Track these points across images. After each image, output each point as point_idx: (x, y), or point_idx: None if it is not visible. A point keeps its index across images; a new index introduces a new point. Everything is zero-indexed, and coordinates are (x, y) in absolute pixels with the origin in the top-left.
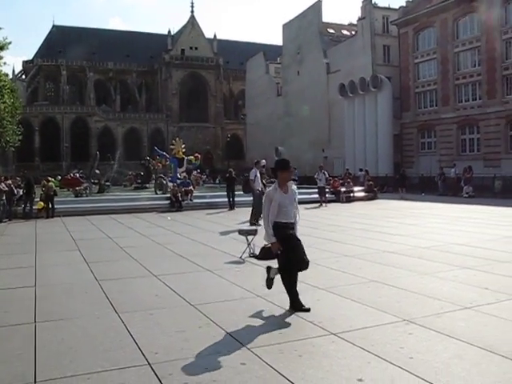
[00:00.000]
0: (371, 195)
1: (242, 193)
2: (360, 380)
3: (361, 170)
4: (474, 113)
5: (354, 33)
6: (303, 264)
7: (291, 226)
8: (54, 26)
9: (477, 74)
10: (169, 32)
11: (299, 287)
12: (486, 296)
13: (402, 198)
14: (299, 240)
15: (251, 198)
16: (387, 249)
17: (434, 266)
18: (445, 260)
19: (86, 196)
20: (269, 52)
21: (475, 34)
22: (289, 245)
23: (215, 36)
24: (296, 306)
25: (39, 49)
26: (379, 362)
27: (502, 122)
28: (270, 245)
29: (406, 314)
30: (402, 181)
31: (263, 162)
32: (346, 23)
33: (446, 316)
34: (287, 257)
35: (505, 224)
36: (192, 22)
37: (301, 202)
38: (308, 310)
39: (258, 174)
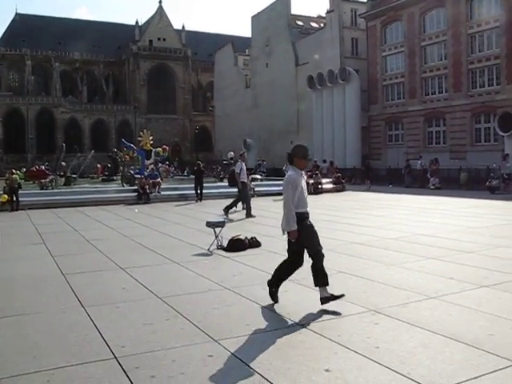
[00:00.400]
0: (339, 187)
1: (210, 185)
2: (327, 370)
3: (324, 161)
4: (441, 105)
5: (322, 25)
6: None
7: (307, 216)
8: (16, 14)
9: (443, 68)
10: (136, 23)
11: (267, 278)
12: (450, 286)
13: (368, 190)
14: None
15: (219, 191)
16: (355, 240)
17: (401, 256)
18: (411, 251)
19: (52, 188)
20: (237, 44)
21: (442, 28)
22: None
23: (183, 27)
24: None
25: (1, 37)
26: (346, 352)
27: (467, 114)
28: (238, 237)
29: (373, 304)
30: (366, 173)
31: (231, 154)
32: (315, 16)
33: (412, 306)
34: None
35: (469, 215)
36: (160, 12)
37: (269, 194)
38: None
39: (244, 167)
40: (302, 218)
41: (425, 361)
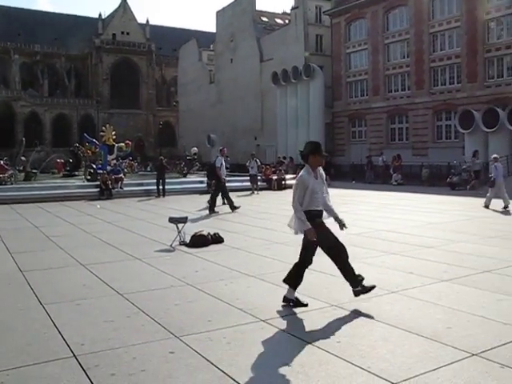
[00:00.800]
0: None
1: (173, 180)
2: (288, 365)
3: (284, 157)
4: (403, 103)
5: (287, 22)
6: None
7: (321, 214)
8: None
9: (406, 66)
10: (99, 16)
11: (230, 274)
12: (411, 280)
13: (328, 186)
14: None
15: (182, 186)
16: None
17: (363, 252)
18: (373, 246)
19: (11, 184)
20: (202, 39)
21: (404, 26)
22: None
23: (148, 21)
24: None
25: None
26: (307, 346)
27: (429, 112)
28: (200, 233)
29: (334, 299)
30: (327, 169)
31: (195, 149)
32: (280, 12)
33: (373, 301)
34: (330, 238)
35: (431, 211)
36: (124, 6)
37: (232, 190)
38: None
39: (224, 162)
40: (312, 216)
41: (385, 354)
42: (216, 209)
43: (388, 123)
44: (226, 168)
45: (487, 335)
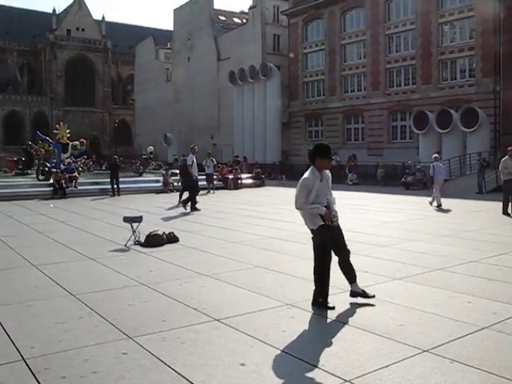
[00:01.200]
0: (259, 182)
1: (129, 179)
2: (242, 364)
3: (237, 156)
4: (359, 103)
5: (245, 21)
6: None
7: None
8: None
9: (362, 66)
10: (53, 11)
11: (185, 274)
12: (365, 279)
13: (283, 185)
14: (335, 228)
15: (138, 185)
16: (273, 235)
17: None
18: None
19: None
20: (159, 37)
21: (361, 27)
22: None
23: (103, 18)
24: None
25: None
26: (262, 346)
27: (384, 112)
28: (155, 232)
29: (289, 298)
30: (281, 168)
31: (151, 148)
32: (238, 11)
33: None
34: (326, 242)
35: (385, 210)
36: (79, 1)
37: None
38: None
39: (195, 160)
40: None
41: (338, 352)
42: (172, 206)
43: (344, 123)
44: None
45: (438, 332)
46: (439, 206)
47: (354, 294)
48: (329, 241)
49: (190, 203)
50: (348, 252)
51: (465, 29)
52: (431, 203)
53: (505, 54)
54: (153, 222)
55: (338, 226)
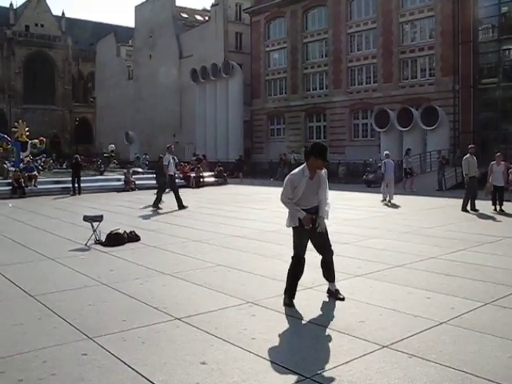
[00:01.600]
0: (221, 180)
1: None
2: (203, 363)
3: (196, 155)
4: (321, 101)
5: (207, 18)
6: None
7: (312, 211)
8: None
9: (324, 65)
10: (11, 5)
11: (146, 273)
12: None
13: (240, 183)
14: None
15: (99, 184)
16: (235, 233)
17: (279, 248)
18: (289, 243)
19: None
20: (120, 34)
21: (323, 26)
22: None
23: (63, 13)
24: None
25: None
26: (222, 344)
27: (346, 110)
28: (116, 231)
29: (250, 296)
30: (239, 166)
31: (112, 146)
32: (200, 9)
33: None
34: (300, 244)
35: (346, 207)
36: None
37: (148, 188)
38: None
39: (171, 160)
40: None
41: (299, 349)
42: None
43: (306, 121)
44: (146, 165)
45: (397, 327)
46: (390, 201)
47: (329, 292)
48: (302, 243)
49: (157, 203)
50: (331, 253)
51: (425, 28)
52: (384, 200)
53: (463, 53)
54: (114, 221)
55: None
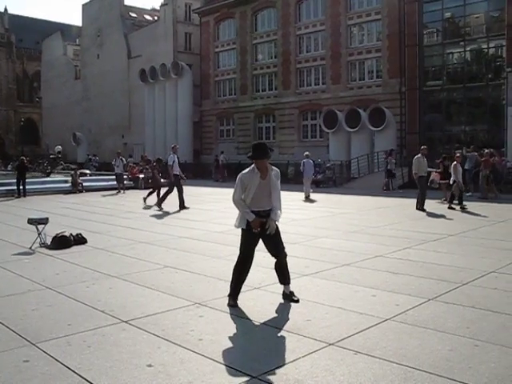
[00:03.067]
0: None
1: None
2: (150, 365)
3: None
4: (271, 102)
5: (156, 18)
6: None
7: (263, 214)
8: None
9: (273, 66)
10: None
11: (92, 276)
12: (273, 276)
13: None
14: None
15: (45, 186)
16: (183, 234)
17: (227, 249)
18: (237, 244)
19: None
20: (67, 32)
21: (272, 27)
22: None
23: (6, 10)
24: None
25: None
26: (169, 346)
27: (295, 111)
28: (62, 234)
29: (198, 297)
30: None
31: (59, 147)
32: (149, 8)
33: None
34: (247, 245)
35: (294, 208)
36: None
37: (98, 189)
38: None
39: (176, 159)
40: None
41: (247, 349)
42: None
43: (256, 122)
44: (94, 167)
45: (344, 325)
46: (307, 197)
47: (284, 295)
48: (249, 245)
49: (161, 202)
50: (285, 255)
51: (372, 31)
52: (307, 197)
53: (409, 56)
54: (60, 224)
55: (276, 228)
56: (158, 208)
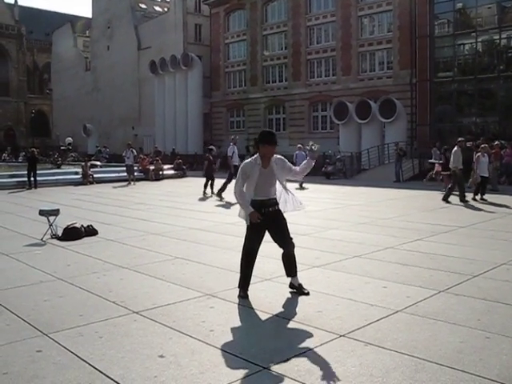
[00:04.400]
0: (180, 173)
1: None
2: (161, 356)
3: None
4: (281, 94)
5: (166, 9)
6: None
7: (269, 203)
8: None
9: (283, 57)
10: None
11: (103, 267)
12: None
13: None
14: (279, 219)
15: (55, 178)
16: (193, 226)
17: (237, 240)
18: None
19: None
20: (77, 24)
21: (283, 18)
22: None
23: (16, 1)
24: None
25: None
26: (180, 337)
27: (305, 103)
28: (73, 225)
29: (209, 288)
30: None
31: (69, 139)
32: None
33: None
34: (250, 238)
35: (305, 199)
36: None
37: (107, 181)
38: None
39: (236, 150)
40: (258, 206)
41: (257, 340)
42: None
43: (266, 113)
44: (105, 158)
45: (354, 317)
46: (301, 185)
47: (292, 286)
48: (253, 237)
49: (221, 191)
50: (292, 245)
51: (383, 22)
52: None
53: (420, 47)
54: (71, 215)
55: (282, 219)
56: (218, 198)
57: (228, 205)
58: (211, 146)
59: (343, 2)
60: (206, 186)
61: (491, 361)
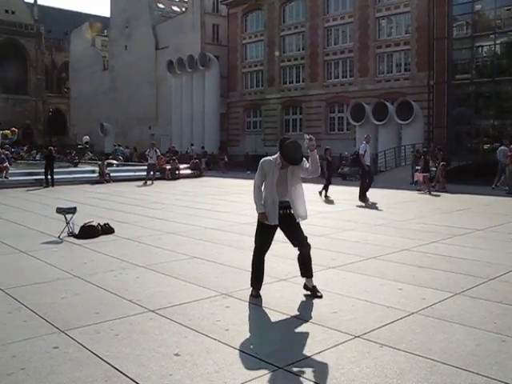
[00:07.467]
0: (197, 173)
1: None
2: (177, 355)
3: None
4: (298, 94)
5: (184, 9)
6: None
7: (282, 206)
8: None
9: (301, 58)
10: None
11: (119, 265)
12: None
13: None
14: (293, 223)
15: (72, 176)
16: (209, 225)
17: (253, 240)
18: None
19: None
20: (96, 24)
21: (300, 19)
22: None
23: (36, 1)
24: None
25: None
26: (196, 335)
27: (322, 104)
28: (90, 223)
29: (224, 288)
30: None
31: (86, 138)
32: None
33: (263, 288)
34: (261, 238)
35: (321, 200)
36: None
37: (123, 180)
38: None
39: (368, 149)
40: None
41: (272, 340)
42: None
43: (282, 114)
44: (125, 156)
45: (369, 318)
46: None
47: (306, 287)
48: (263, 238)
49: (365, 194)
50: (308, 247)
51: (401, 24)
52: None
53: (438, 49)
54: (88, 213)
55: (295, 221)
56: (363, 204)
57: (244, 205)
58: (327, 146)
59: (361, 3)
60: (326, 190)
61: (507, 364)
